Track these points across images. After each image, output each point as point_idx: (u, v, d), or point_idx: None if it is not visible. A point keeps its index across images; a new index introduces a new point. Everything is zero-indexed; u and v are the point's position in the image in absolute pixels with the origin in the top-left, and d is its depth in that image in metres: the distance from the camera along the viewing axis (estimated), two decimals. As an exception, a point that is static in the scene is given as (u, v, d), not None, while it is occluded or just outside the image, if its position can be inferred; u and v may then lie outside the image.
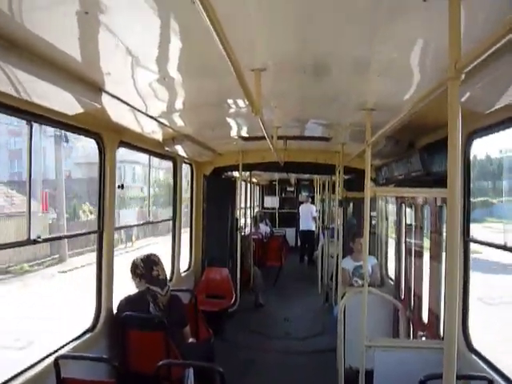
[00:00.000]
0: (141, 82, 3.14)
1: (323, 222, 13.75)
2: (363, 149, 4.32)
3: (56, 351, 3.43)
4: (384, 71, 2.93)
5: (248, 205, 13.63)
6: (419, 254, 4.86)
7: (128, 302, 4.23)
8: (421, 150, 3.95)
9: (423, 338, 4.44)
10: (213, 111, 4.28)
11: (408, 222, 5.57)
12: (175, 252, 6.19)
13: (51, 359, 3.24)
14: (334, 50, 2.64)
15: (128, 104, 3.53)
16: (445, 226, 4.10)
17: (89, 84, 2.94)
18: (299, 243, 15.49)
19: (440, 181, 3.96)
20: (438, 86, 1.95)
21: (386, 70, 2.92)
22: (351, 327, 4.84)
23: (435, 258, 4.27)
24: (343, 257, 6.47)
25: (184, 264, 6.89)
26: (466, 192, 3.64)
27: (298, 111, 4.29)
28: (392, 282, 6.38)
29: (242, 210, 9.67)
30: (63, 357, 3.09)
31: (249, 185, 13.40)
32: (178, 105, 3.99)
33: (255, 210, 13.53)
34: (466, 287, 3.64)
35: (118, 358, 3.76)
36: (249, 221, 11.36)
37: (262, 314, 8.51)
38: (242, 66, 2.84)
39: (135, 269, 4.28)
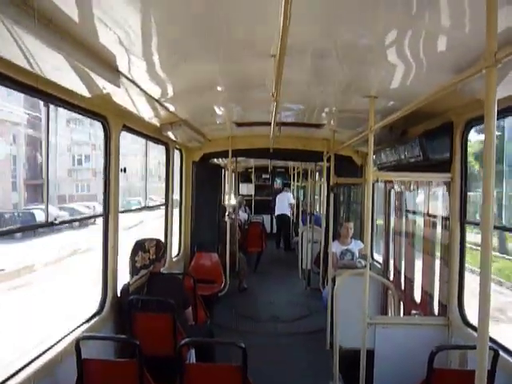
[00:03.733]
0: (150, 65, 3.16)
1: (300, 208, 13.99)
2: (363, 135, 4.47)
3: (65, 337, 3.44)
4: (393, 60, 3.06)
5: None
6: (410, 237, 5.08)
7: (127, 286, 4.28)
8: (420, 137, 4.12)
9: (416, 316, 4.66)
10: (214, 95, 4.32)
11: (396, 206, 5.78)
12: (167, 237, 6.22)
13: (67, 342, 3.28)
14: (349, 37, 2.74)
15: (137, 85, 3.53)
16: (441, 209, 4.30)
17: (107, 65, 2.94)
18: (275, 229, 15.69)
19: (437, 166, 4.16)
20: (471, 75, 2.08)
21: (395, 59, 3.04)
22: (343, 308, 5.01)
23: (429, 240, 4.48)
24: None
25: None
26: (464, 177, 3.85)
27: (301, 97, 4.38)
28: (378, 265, 6.62)
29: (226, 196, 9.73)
30: (84, 338, 3.11)
31: (227, 172, 13.46)
32: (182, 88, 4.00)
33: (235, 197, 13.58)
34: (461, 266, 3.87)
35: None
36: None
37: (247, 298, 8.65)
38: (262, 52, 2.92)
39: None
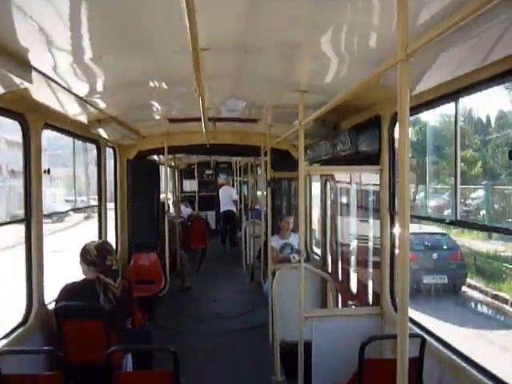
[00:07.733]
0: (67, 60, 2.99)
1: (244, 203, 13.96)
2: (294, 130, 4.47)
3: None
4: (319, 54, 3.06)
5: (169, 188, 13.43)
6: (346, 229, 5.17)
7: (72, 290, 3.96)
8: (350, 131, 4.18)
9: (353, 307, 4.75)
10: (142, 91, 4.17)
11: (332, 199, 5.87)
12: (102, 238, 5.97)
13: None
14: (273, 32, 2.71)
15: (55, 82, 3.34)
16: (371, 202, 4.39)
17: (17, 59, 2.74)
18: (220, 225, 15.55)
19: (369, 158, 4.24)
20: (386, 68, 2.09)
21: (321, 54, 3.04)
22: (283, 302, 5.03)
23: (363, 231, 4.57)
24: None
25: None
26: (392, 169, 3.93)
27: (232, 92, 4.32)
28: (317, 257, 6.71)
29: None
30: (4, 352, 2.90)
31: (168, 168, 13.19)
32: (106, 84, 3.84)
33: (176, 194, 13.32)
34: (392, 255, 3.96)
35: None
36: (171, 204, 11.18)
37: (190, 297, 8.53)
38: (186, 46, 2.81)
39: (86, 255, 4.03)
